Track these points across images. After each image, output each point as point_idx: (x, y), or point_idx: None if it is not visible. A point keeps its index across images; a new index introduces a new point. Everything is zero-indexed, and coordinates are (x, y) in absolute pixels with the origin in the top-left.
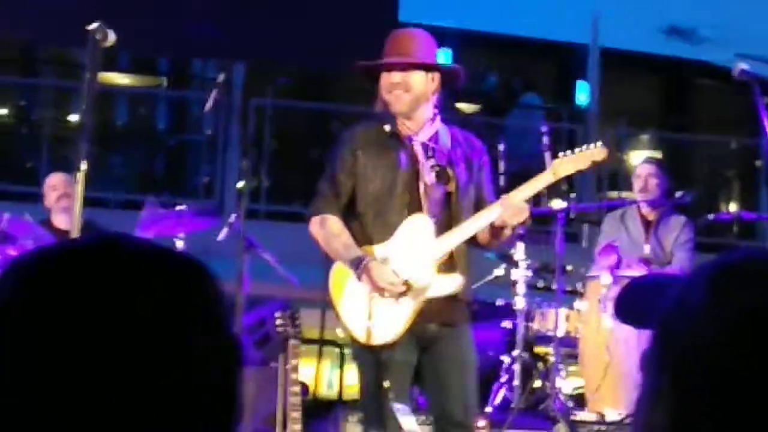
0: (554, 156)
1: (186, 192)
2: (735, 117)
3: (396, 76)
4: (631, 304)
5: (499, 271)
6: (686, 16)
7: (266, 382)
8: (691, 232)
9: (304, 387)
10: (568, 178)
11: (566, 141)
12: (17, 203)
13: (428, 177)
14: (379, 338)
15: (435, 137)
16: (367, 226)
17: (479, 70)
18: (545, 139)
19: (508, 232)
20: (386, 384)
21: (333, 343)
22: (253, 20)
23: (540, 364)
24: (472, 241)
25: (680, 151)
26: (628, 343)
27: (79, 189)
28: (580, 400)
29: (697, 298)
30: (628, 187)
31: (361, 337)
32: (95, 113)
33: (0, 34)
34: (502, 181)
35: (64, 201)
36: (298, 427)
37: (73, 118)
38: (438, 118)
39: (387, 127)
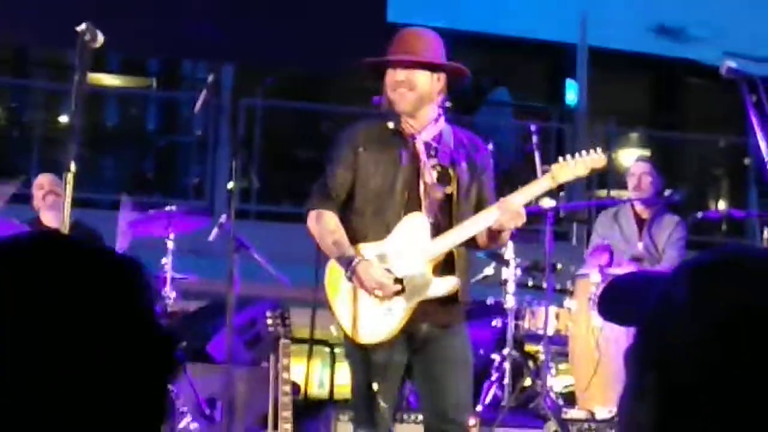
0: (543, 156)
1: (176, 193)
2: (724, 115)
3: (400, 74)
4: (615, 302)
5: (489, 270)
6: (675, 14)
7: (257, 382)
8: (684, 231)
9: (295, 386)
10: None
11: (555, 140)
12: (8, 204)
13: (429, 176)
14: (370, 338)
15: (438, 137)
16: (365, 222)
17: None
18: (534, 138)
19: (505, 235)
20: (375, 387)
21: (323, 342)
22: (242, 22)
23: (530, 363)
24: (470, 243)
25: (669, 150)
26: (618, 341)
27: (69, 190)
28: (570, 398)
29: (680, 296)
30: (618, 186)
31: (354, 337)
32: (85, 114)
33: None
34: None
35: (51, 198)
36: (289, 426)
37: (64, 119)
38: (442, 118)
39: (390, 125)
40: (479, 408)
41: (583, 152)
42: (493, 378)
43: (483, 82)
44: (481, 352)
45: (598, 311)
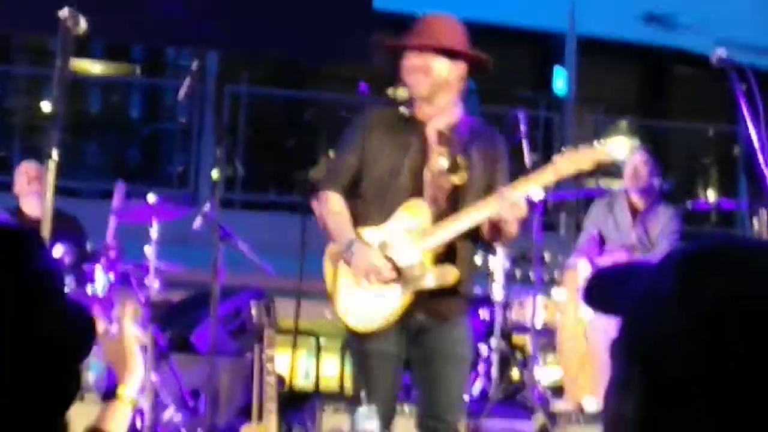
0: (531, 145)
1: (160, 181)
2: (713, 104)
3: (417, 60)
4: (601, 292)
5: (477, 261)
6: (664, 2)
7: (241, 373)
8: (678, 223)
9: (280, 378)
10: None
11: (543, 129)
12: None
13: (437, 164)
14: (365, 324)
15: (453, 125)
16: (368, 207)
17: None
18: (522, 127)
19: (507, 228)
20: (362, 394)
21: (309, 333)
22: (228, 9)
23: (518, 354)
24: (476, 236)
25: (658, 139)
26: (606, 333)
27: (51, 178)
28: (558, 390)
29: (666, 287)
30: (608, 175)
31: (349, 323)
32: (68, 101)
33: None
34: None
35: (35, 185)
36: (274, 418)
37: (46, 106)
38: (461, 107)
39: (403, 110)
40: (466, 399)
41: (588, 144)
42: (481, 369)
43: None
44: None
45: (584, 301)
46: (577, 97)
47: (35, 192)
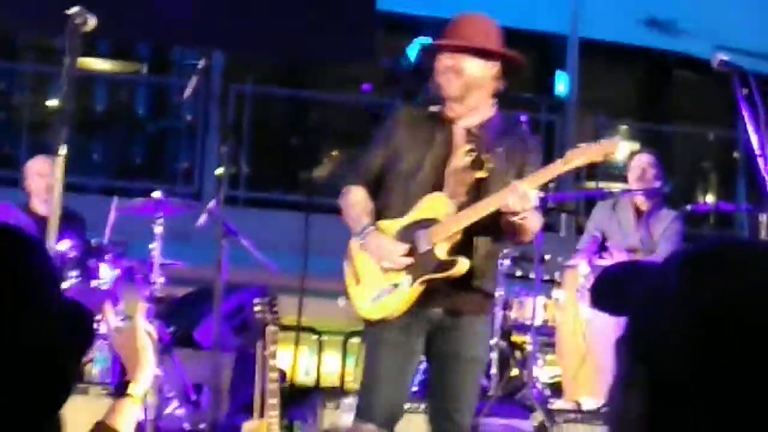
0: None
1: (165, 178)
2: (713, 109)
3: (449, 60)
4: (606, 292)
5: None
6: (666, 7)
7: (244, 369)
8: (681, 225)
9: (282, 374)
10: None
11: (545, 132)
12: None
13: (460, 160)
14: (377, 312)
15: (483, 124)
16: (391, 200)
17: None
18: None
19: (520, 222)
20: (384, 371)
21: (311, 330)
22: (230, 9)
23: (517, 353)
24: (496, 233)
25: (658, 142)
26: (605, 333)
27: (58, 174)
28: (557, 389)
29: (669, 287)
30: (606, 178)
31: (361, 309)
32: (74, 99)
33: None
34: None
35: (48, 183)
36: (276, 413)
37: (52, 103)
38: (494, 107)
39: (433, 108)
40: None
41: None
42: None
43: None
44: None
45: (590, 301)
46: (578, 101)
47: (48, 191)
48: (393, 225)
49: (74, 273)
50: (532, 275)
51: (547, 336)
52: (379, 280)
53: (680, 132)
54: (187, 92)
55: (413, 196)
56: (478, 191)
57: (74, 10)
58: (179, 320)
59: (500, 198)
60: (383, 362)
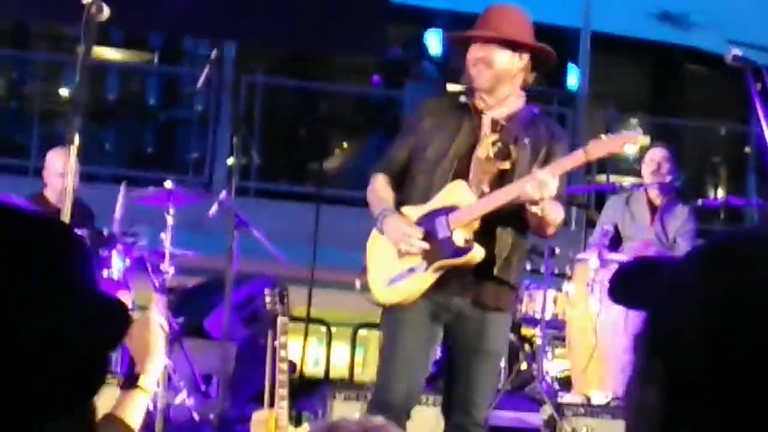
0: None
1: (176, 168)
2: (724, 103)
3: (479, 51)
4: (626, 286)
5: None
6: (677, 1)
7: (254, 359)
8: (694, 221)
9: (291, 365)
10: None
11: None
12: (7, 177)
13: (485, 150)
14: (392, 295)
15: (511, 116)
16: (415, 189)
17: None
18: None
19: (546, 216)
20: (401, 360)
21: (320, 321)
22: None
23: (527, 346)
24: (522, 226)
25: (669, 136)
26: (615, 326)
27: (72, 162)
28: (566, 383)
29: (687, 282)
30: (617, 171)
31: (377, 293)
32: (88, 88)
33: None
34: None
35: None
36: (285, 404)
37: (64, 92)
38: (523, 99)
39: (462, 99)
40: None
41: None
42: None
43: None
44: None
45: (608, 295)
46: (589, 94)
47: (62, 191)
48: (415, 211)
49: None
50: (542, 269)
51: (556, 330)
52: (395, 264)
53: (691, 126)
54: (200, 82)
55: (436, 184)
56: (501, 182)
57: None
58: (189, 310)
59: (519, 186)
60: (405, 342)
